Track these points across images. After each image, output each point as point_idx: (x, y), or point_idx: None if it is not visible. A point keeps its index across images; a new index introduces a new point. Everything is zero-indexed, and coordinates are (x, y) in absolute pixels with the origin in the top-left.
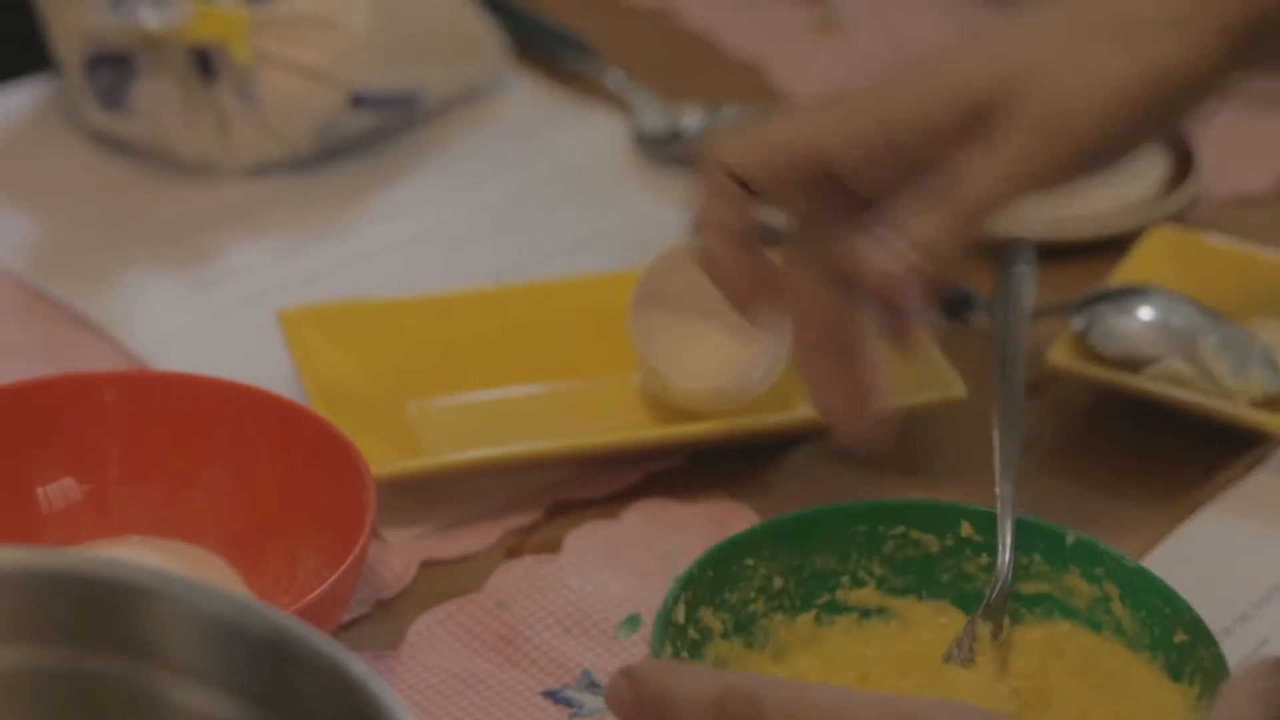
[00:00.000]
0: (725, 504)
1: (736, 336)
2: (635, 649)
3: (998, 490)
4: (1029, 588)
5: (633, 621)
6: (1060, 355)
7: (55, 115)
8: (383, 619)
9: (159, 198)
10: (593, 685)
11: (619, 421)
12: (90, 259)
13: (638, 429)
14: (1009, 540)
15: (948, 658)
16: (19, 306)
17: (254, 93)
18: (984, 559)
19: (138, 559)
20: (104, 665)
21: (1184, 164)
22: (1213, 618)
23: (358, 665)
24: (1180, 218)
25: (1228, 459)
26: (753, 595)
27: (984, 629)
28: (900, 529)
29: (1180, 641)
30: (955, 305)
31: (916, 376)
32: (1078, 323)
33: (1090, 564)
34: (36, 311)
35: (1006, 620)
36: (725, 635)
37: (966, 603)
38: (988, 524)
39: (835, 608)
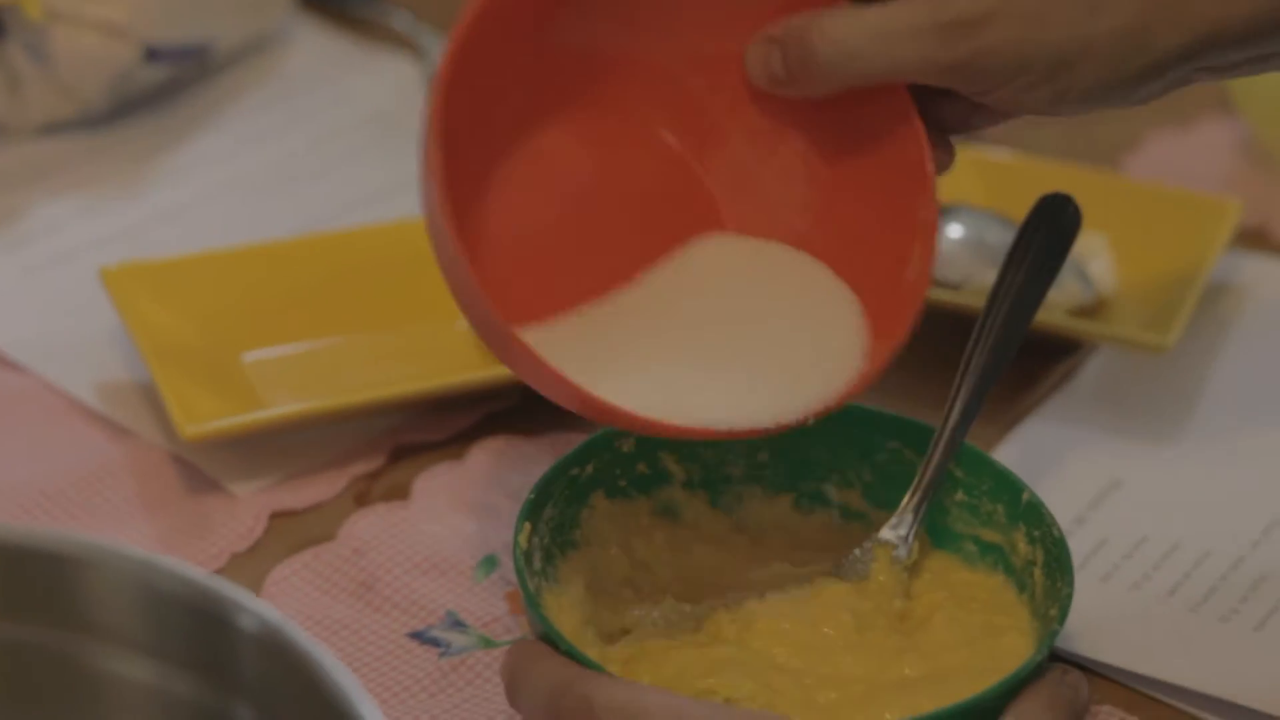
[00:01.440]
0: (567, 436)
1: None
2: (494, 589)
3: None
4: (988, 535)
5: (490, 562)
6: None
7: None
8: (238, 571)
9: None
10: (458, 624)
11: (454, 364)
12: None
13: (476, 370)
14: (929, 475)
15: (836, 569)
16: None
17: (46, 50)
18: (960, 495)
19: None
20: (35, 635)
21: None
22: None
23: (292, 628)
24: (970, 137)
25: (1047, 368)
26: (731, 459)
27: (884, 550)
28: (895, 444)
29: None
30: None
31: None
32: None
33: (1033, 525)
34: None
35: (915, 545)
36: (688, 485)
37: (936, 534)
38: (971, 463)
39: (818, 499)
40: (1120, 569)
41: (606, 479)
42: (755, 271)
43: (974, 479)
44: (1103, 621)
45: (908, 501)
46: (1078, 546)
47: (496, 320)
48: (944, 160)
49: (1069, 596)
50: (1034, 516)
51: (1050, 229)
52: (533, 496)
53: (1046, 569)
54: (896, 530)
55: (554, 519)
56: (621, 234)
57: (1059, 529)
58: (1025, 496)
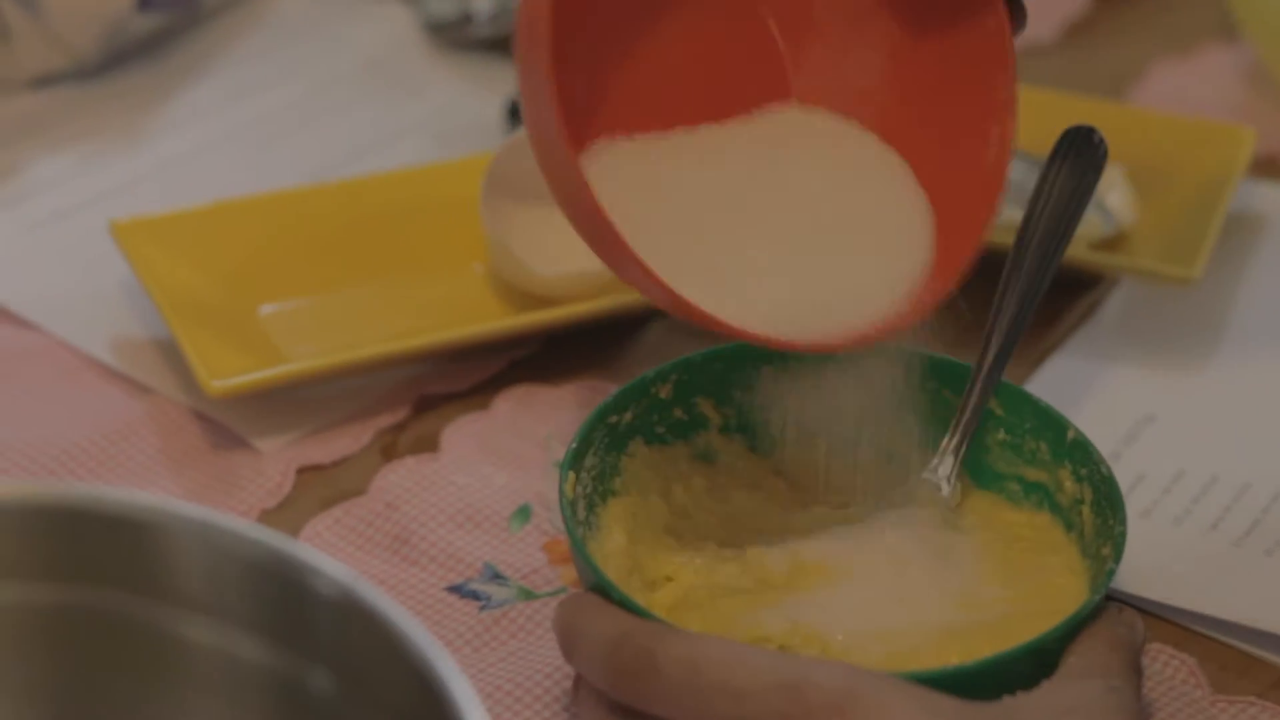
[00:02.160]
0: (592, 383)
1: None
2: (530, 539)
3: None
4: (1032, 474)
5: (524, 513)
6: None
7: None
8: (270, 528)
9: None
10: (497, 577)
11: (475, 311)
12: None
13: (500, 318)
14: (967, 415)
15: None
16: None
17: (37, 1)
18: (1002, 434)
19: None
20: (116, 601)
21: None
22: None
23: (369, 590)
24: None
25: (1068, 303)
26: (769, 404)
27: (926, 492)
28: (934, 384)
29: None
30: None
31: None
32: None
33: (1080, 463)
34: None
35: (958, 485)
36: (725, 430)
37: (979, 474)
38: (1012, 401)
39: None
40: (1160, 504)
41: (644, 426)
42: (829, 158)
43: (1015, 417)
44: (1147, 558)
45: (947, 442)
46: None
47: (600, 215)
48: (1018, 21)
49: (1123, 535)
50: (1080, 454)
51: (1076, 162)
52: (575, 445)
53: (1096, 506)
54: (938, 471)
55: (595, 467)
56: (700, 94)
57: (1107, 466)
58: (1070, 434)
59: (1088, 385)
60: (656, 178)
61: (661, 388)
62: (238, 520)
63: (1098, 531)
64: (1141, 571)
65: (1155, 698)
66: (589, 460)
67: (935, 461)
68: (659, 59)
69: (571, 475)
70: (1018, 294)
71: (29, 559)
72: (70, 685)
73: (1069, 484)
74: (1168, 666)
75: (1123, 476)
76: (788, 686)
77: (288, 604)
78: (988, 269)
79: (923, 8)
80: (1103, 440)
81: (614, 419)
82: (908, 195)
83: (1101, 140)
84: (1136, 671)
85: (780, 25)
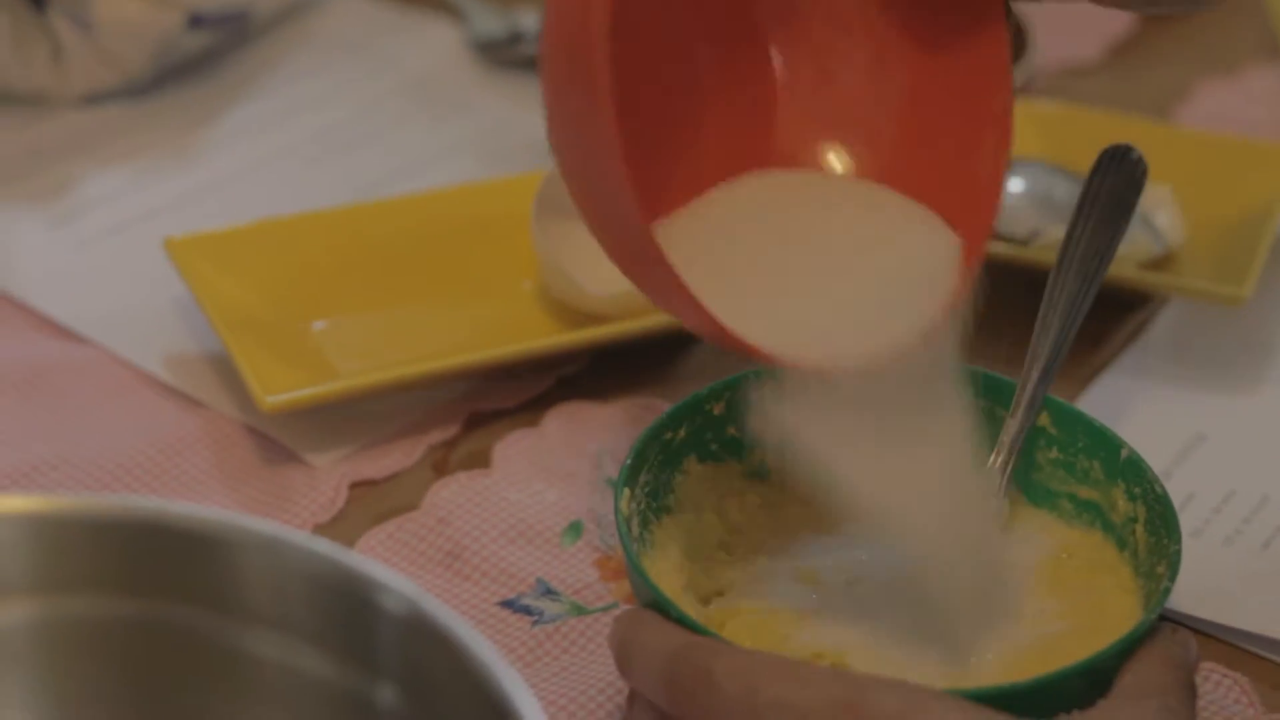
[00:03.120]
0: (642, 401)
1: None
2: (581, 555)
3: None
4: (1084, 493)
5: (575, 529)
6: None
7: None
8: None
9: None
10: (549, 592)
11: (524, 328)
12: None
13: (549, 335)
14: (1014, 433)
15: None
16: None
17: (89, 18)
18: (1054, 453)
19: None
20: (186, 616)
21: (1017, 40)
22: None
23: (435, 605)
24: (1020, 92)
25: (1118, 322)
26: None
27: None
28: (986, 401)
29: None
30: None
31: None
32: None
33: (1133, 482)
34: None
35: (1007, 503)
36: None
37: (1030, 491)
38: (1064, 419)
39: None
40: (1211, 524)
41: (698, 443)
42: (842, 195)
43: (1068, 436)
44: (1198, 577)
45: (993, 460)
46: None
47: (653, 250)
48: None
49: (1178, 553)
50: (1134, 472)
51: (1116, 179)
52: (630, 461)
53: (1149, 525)
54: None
55: (648, 484)
56: (718, 133)
57: (1161, 485)
58: (1124, 453)
59: (1137, 404)
60: (698, 217)
61: (715, 405)
62: (303, 535)
63: (1151, 550)
64: (1193, 590)
65: (1207, 717)
66: (643, 477)
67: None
68: (668, 101)
69: (627, 491)
70: (1061, 311)
71: (99, 572)
72: (139, 698)
73: (1122, 503)
74: (1219, 686)
75: (1174, 496)
76: (845, 705)
77: (353, 619)
78: (1033, 287)
79: (919, 18)
80: (1153, 459)
81: (668, 435)
82: (937, 232)
83: (1140, 158)
84: (1190, 691)
85: (778, 46)
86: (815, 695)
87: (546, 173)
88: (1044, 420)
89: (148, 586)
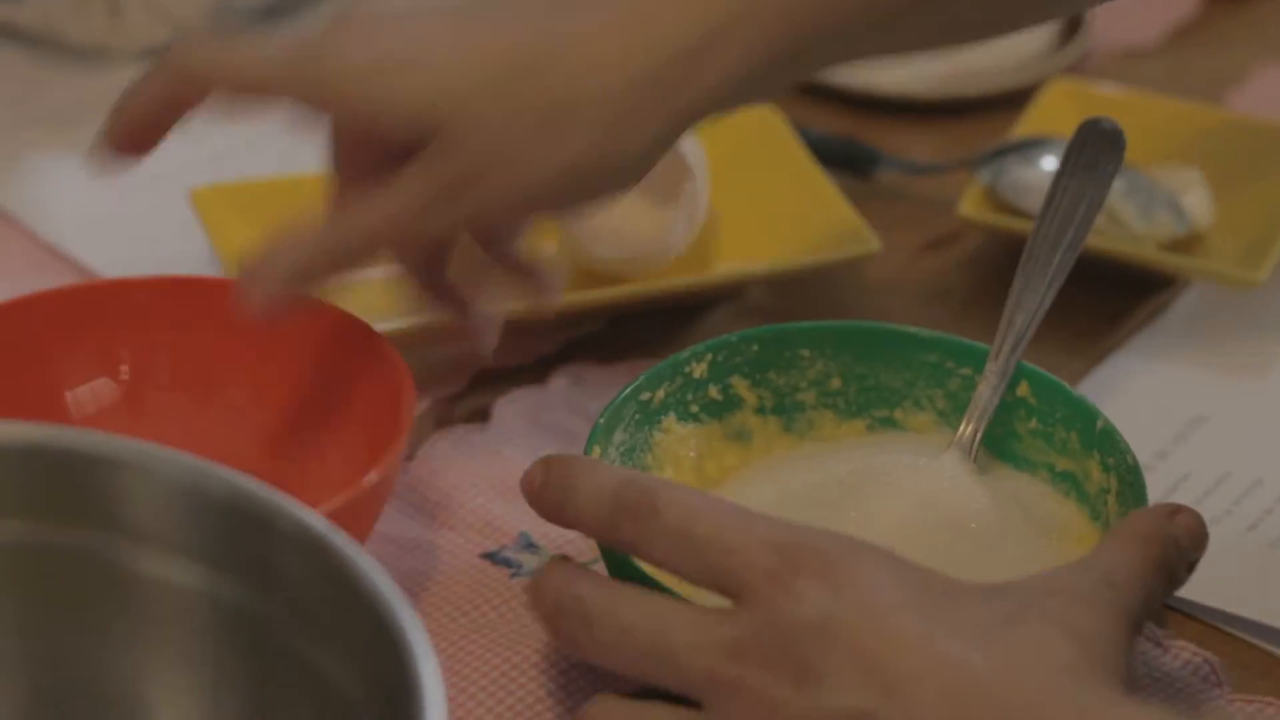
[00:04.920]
0: (650, 363)
1: (653, 201)
2: None
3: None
4: (1061, 463)
5: None
6: (970, 208)
7: None
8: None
9: (54, 85)
10: (530, 546)
11: None
12: None
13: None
14: (982, 405)
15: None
16: None
17: None
18: (1034, 423)
19: None
20: (69, 537)
21: (1073, 19)
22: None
23: (323, 525)
24: (1072, 71)
25: (1138, 302)
26: (804, 385)
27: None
28: (968, 370)
29: None
30: (861, 161)
31: (828, 233)
32: (984, 176)
33: (1108, 452)
34: None
35: (976, 468)
36: (760, 411)
37: (1010, 462)
38: (1046, 389)
39: (890, 424)
40: (1201, 504)
41: (678, 404)
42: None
43: (1047, 406)
44: None
45: (963, 429)
46: (1159, 481)
47: None
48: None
49: None
50: (1108, 443)
51: (1094, 151)
52: (602, 420)
53: (1120, 497)
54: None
55: (625, 443)
56: None
57: (1133, 456)
58: (1099, 424)
59: (1145, 384)
60: None
61: (696, 366)
62: (187, 455)
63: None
64: None
65: (1173, 693)
66: (618, 435)
67: (949, 451)
68: None
69: (596, 449)
70: (1035, 282)
71: None
72: (32, 621)
73: (1096, 473)
74: (1189, 664)
75: (1168, 475)
76: (777, 547)
77: (242, 538)
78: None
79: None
80: (1152, 439)
81: (646, 396)
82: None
83: (1115, 129)
84: (1161, 572)
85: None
86: (750, 535)
87: None
88: (1024, 391)
89: (27, 508)
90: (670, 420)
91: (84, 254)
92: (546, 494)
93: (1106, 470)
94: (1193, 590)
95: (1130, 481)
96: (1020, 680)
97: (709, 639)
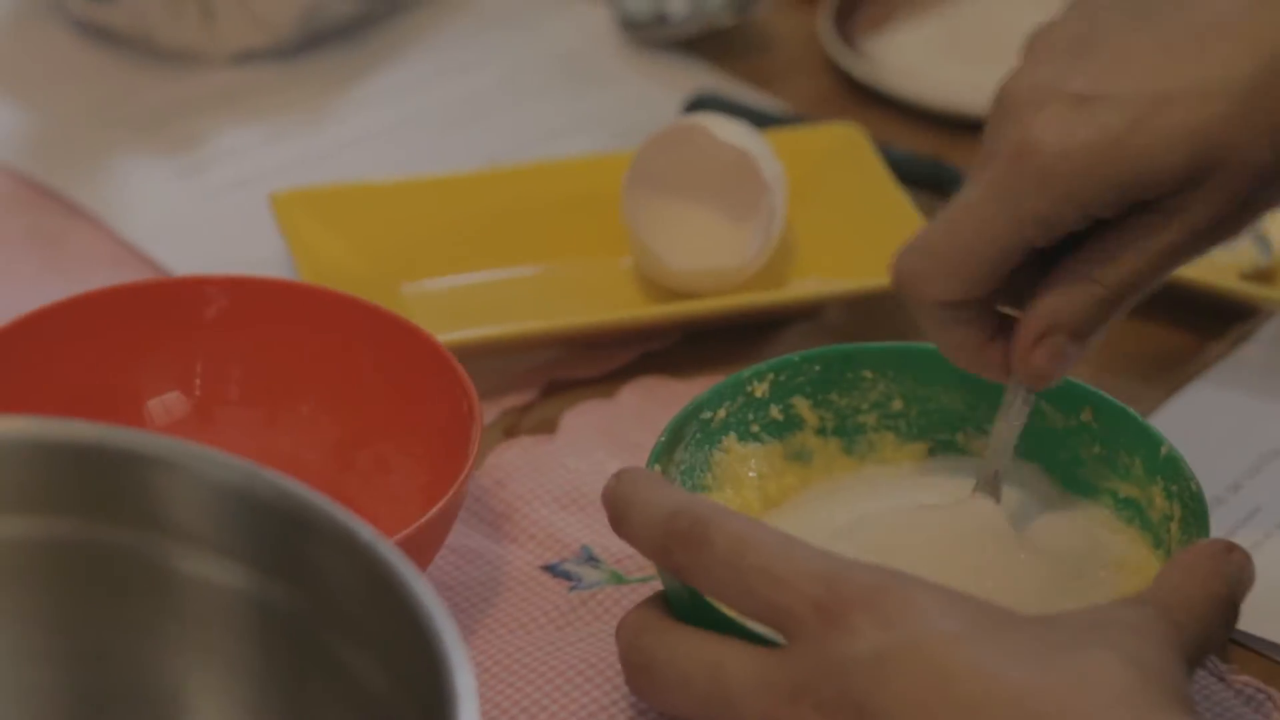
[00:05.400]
0: (720, 380)
1: (729, 216)
2: None
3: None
4: (1125, 490)
5: None
6: None
7: (40, 6)
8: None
9: (144, 87)
10: (591, 559)
11: (613, 302)
12: (78, 148)
13: (633, 308)
14: (1007, 437)
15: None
16: (8, 194)
17: None
18: (1097, 449)
19: None
20: (114, 536)
21: None
22: (1205, 487)
23: (368, 532)
24: None
25: (1218, 333)
26: (865, 407)
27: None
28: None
29: None
30: (945, 181)
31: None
32: None
33: (1171, 480)
34: (26, 200)
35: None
36: (821, 432)
37: (1074, 488)
38: (1110, 414)
39: (951, 448)
40: (1271, 538)
41: (739, 423)
42: None
43: (1110, 431)
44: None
45: (982, 472)
46: (1230, 514)
47: None
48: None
49: None
50: (1172, 470)
51: None
52: (664, 438)
53: (1183, 524)
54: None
55: (685, 462)
56: None
57: (1197, 483)
58: (1164, 450)
59: (1221, 414)
60: None
61: (757, 386)
62: (235, 457)
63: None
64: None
65: None
66: (679, 454)
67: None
68: None
69: (657, 468)
70: None
71: (27, 493)
72: (64, 618)
73: (1159, 500)
74: (1253, 700)
75: (1238, 509)
76: (824, 579)
77: (287, 541)
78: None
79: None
80: (1225, 470)
81: (707, 415)
82: None
83: None
84: (1219, 608)
85: None
86: (798, 567)
87: (641, 146)
88: (1087, 416)
89: (73, 506)
90: (731, 440)
91: (164, 256)
92: (609, 507)
93: (1170, 498)
94: (1258, 625)
95: (1194, 509)
96: (1081, 706)
97: (764, 683)
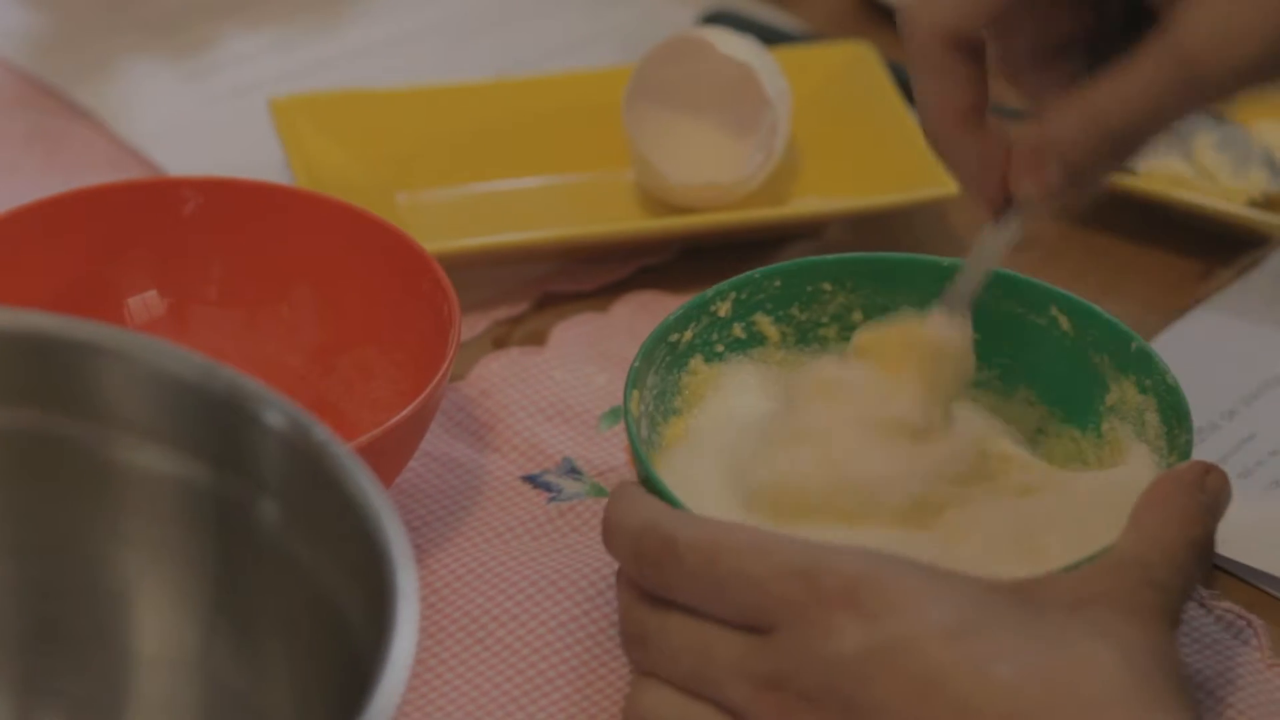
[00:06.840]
0: None
1: (731, 131)
2: (615, 440)
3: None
4: (1108, 399)
5: (615, 413)
6: None
7: None
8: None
9: None
10: (573, 471)
11: (612, 215)
12: (85, 48)
13: (629, 221)
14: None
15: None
16: (11, 94)
17: None
18: (1070, 346)
19: None
20: (66, 428)
21: None
22: (1200, 413)
23: (318, 428)
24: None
25: (1226, 259)
26: (825, 320)
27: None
28: (993, 294)
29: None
30: None
31: (912, 174)
32: None
33: (1144, 374)
34: (29, 100)
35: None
36: (783, 345)
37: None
38: (1080, 314)
39: None
40: (1263, 465)
41: (704, 344)
42: None
43: (1080, 330)
44: (1236, 517)
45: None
46: (1223, 440)
47: None
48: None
49: (1188, 444)
50: (1144, 364)
51: None
52: (637, 364)
53: (1162, 415)
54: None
55: (655, 386)
56: None
57: (1173, 376)
58: (1134, 345)
59: (1223, 341)
60: None
61: (720, 305)
62: (183, 348)
63: (1164, 440)
64: (1226, 529)
65: (1213, 654)
66: (650, 379)
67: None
68: None
69: (635, 394)
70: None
71: None
72: (10, 510)
73: (1133, 395)
74: (1232, 626)
75: (1231, 435)
76: (802, 574)
77: (233, 430)
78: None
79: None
80: (1222, 397)
81: (675, 337)
82: None
83: None
84: (1199, 554)
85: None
86: (772, 565)
87: (642, 59)
88: (1055, 313)
89: (18, 395)
90: (697, 361)
91: (164, 158)
92: (602, 530)
93: (1144, 391)
94: (1242, 551)
95: (1171, 401)
96: (1072, 707)
97: (749, 668)
